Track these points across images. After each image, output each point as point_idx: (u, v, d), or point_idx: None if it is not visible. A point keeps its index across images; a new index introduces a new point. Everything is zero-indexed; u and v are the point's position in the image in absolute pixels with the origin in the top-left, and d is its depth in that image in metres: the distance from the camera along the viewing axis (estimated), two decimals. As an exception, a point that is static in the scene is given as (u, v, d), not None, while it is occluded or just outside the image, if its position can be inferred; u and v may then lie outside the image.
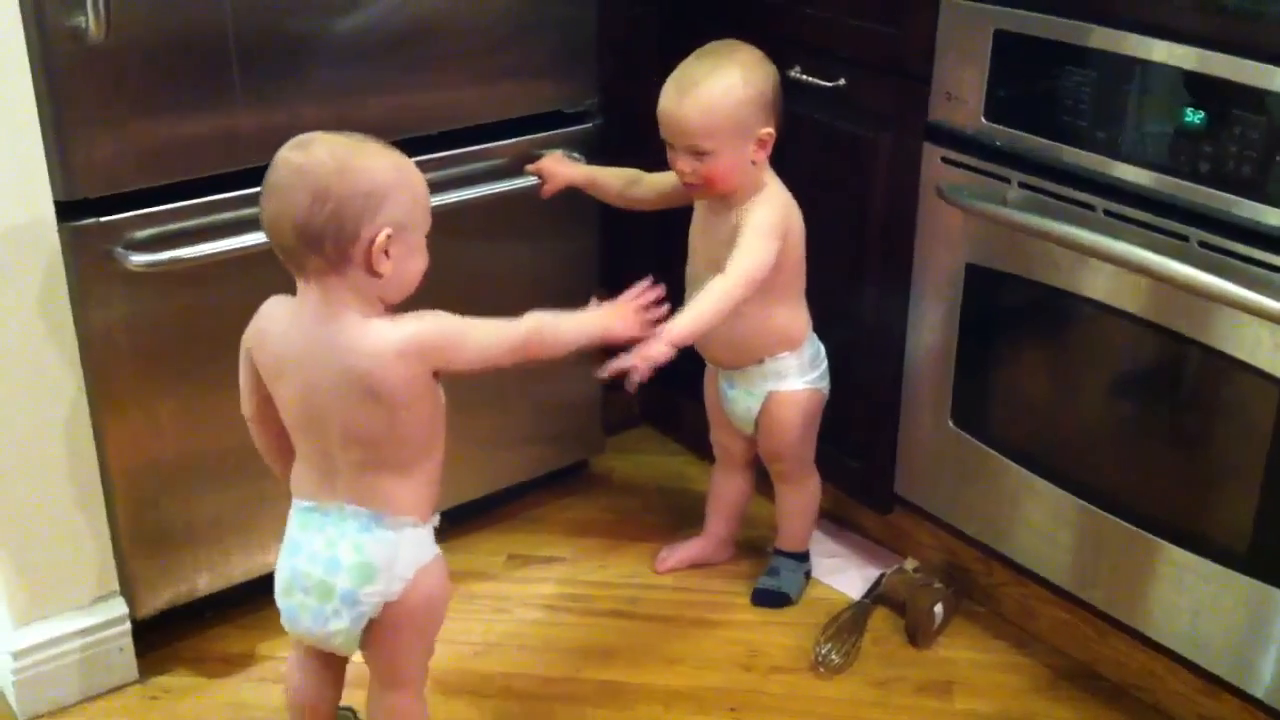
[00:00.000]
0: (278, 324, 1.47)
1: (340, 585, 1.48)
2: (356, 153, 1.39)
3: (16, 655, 1.81)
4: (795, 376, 1.96)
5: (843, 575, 2.17)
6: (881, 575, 2.12)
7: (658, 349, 1.70)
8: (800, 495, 2.09)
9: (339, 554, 1.48)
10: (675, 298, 1.79)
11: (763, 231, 1.81)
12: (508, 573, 2.18)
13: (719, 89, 1.77)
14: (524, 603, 2.11)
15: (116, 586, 1.87)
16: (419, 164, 1.88)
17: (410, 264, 1.44)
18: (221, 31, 1.70)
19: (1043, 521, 1.88)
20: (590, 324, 1.58)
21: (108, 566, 1.85)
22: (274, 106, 1.77)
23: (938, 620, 2.01)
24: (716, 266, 1.85)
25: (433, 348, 1.44)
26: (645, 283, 1.63)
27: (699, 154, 1.79)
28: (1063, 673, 1.96)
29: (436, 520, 1.55)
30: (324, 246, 1.38)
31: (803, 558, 2.14)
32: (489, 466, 2.21)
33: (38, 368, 1.71)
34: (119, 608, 1.87)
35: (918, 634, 2.01)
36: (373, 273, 1.40)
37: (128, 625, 1.88)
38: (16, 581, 1.79)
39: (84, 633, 1.85)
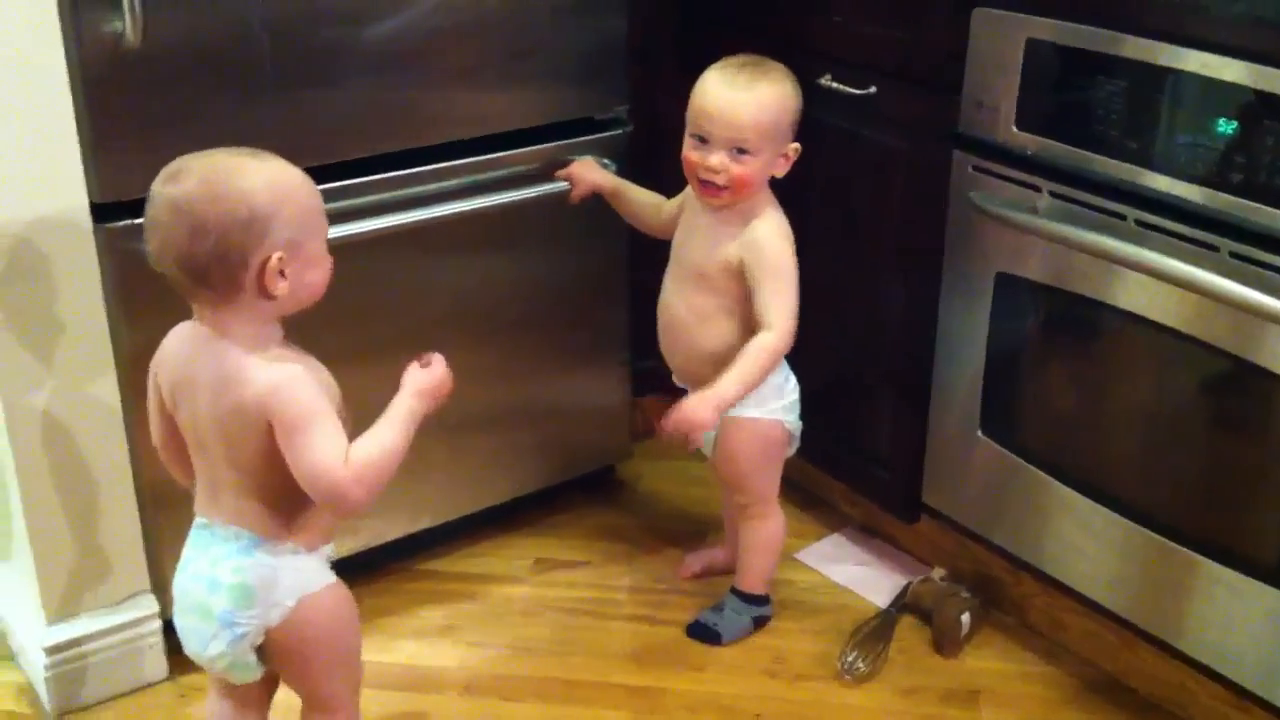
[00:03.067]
0: (174, 350, 1.44)
1: (217, 607, 1.43)
2: (232, 175, 1.32)
3: (49, 651, 1.83)
4: (753, 404, 1.88)
5: (869, 584, 2.16)
6: (908, 584, 2.11)
7: (706, 416, 1.75)
8: (757, 534, 2.01)
9: (219, 574, 1.43)
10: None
11: (786, 273, 1.80)
12: (535, 576, 2.19)
13: (775, 92, 1.78)
14: (551, 606, 2.11)
15: (148, 584, 1.89)
16: (452, 169, 1.93)
17: (309, 276, 1.38)
18: (254, 37, 1.72)
19: (1072, 532, 1.87)
20: (403, 423, 1.44)
21: (139, 564, 1.87)
22: (305, 112, 1.79)
23: (964, 629, 2.01)
24: (703, 277, 1.85)
25: (274, 414, 1.36)
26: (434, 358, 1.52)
27: (740, 152, 1.77)
28: (1091, 684, 1.95)
29: (330, 551, 1.51)
30: (211, 279, 1.33)
31: (754, 601, 2.04)
32: (516, 472, 2.22)
33: (72, 367, 1.73)
34: (149, 606, 1.89)
35: (944, 643, 2.00)
36: (267, 296, 1.35)
37: (158, 623, 1.90)
38: (49, 579, 1.81)
39: (115, 630, 1.87)
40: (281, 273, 1.34)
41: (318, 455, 1.36)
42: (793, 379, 1.93)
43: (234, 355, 1.37)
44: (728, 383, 1.78)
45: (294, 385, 1.37)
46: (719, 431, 1.92)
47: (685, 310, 1.88)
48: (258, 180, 1.33)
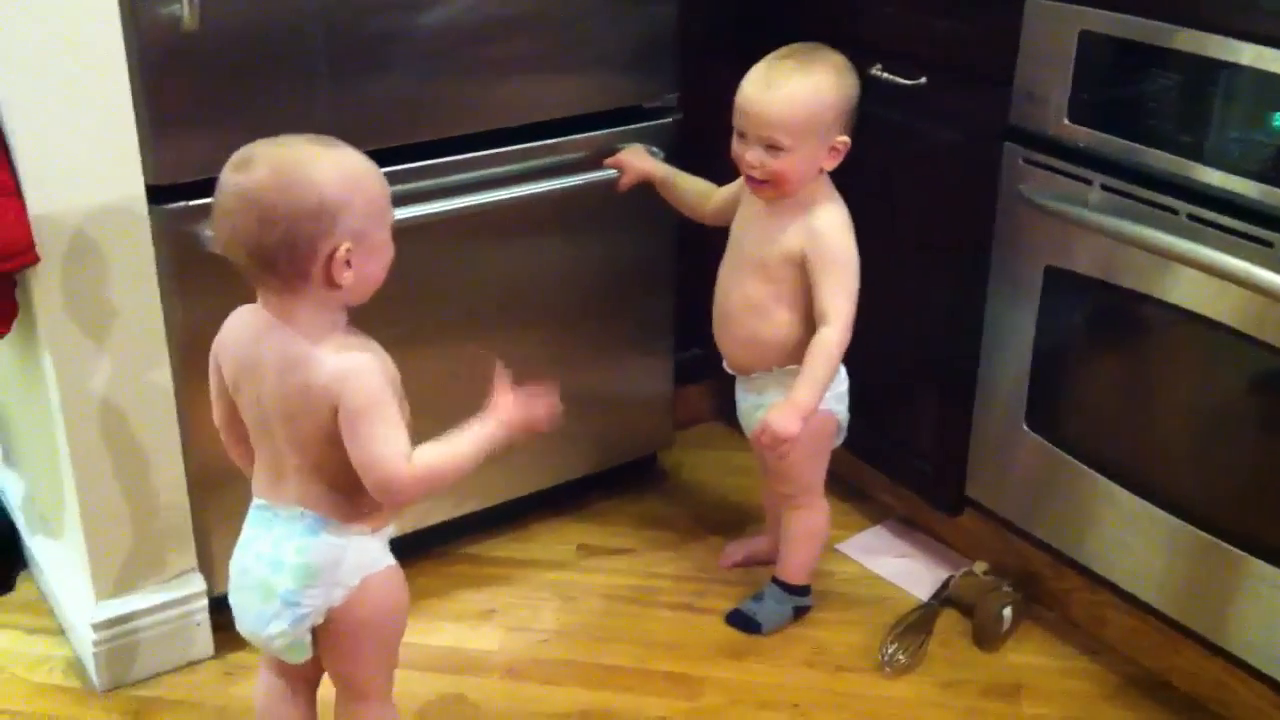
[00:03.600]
0: (236, 333, 1.44)
1: (281, 586, 1.43)
2: (302, 164, 1.32)
3: (97, 627, 1.86)
4: None
5: (911, 576, 2.16)
6: (950, 577, 2.11)
7: (793, 427, 1.74)
8: (800, 524, 2.01)
9: (283, 554, 1.43)
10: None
11: (847, 264, 1.79)
12: (578, 562, 2.20)
13: (809, 86, 1.76)
14: (593, 592, 2.13)
15: (195, 563, 1.91)
16: (500, 156, 1.94)
17: (371, 266, 1.38)
18: (309, 22, 1.74)
19: (1116, 528, 1.86)
20: (481, 441, 1.43)
21: (188, 543, 1.90)
22: (358, 97, 1.81)
23: (1006, 624, 2.00)
24: (762, 267, 1.84)
25: (341, 400, 1.36)
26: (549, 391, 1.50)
27: (773, 149, 1.77)
28: (1132, 681, 1.94)
29: (392, 531, 1.52)
30: (279, 267, 1.33)
31: (795, 591, 2.05)
32: (560, 458, 2.23)
33: (125, 348, 1.75)
34: (197, 584, 1.92)
35: (985, 637, 2.00)
36: (333, 285, 1.35)
37: (205, 601, 1.92)
38: (100, 557, 1.84)
39: (163, 607, 1.89)
40: (348, 262, 1.34)
41: (382, 448, 1.36)
42: (843, 369, 1.92)
43: (300, 341, 1.38)
44: (803, 390, 1.77)
45: (363, 374, 1.37)
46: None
47: (743, 299, 1.88)
48: (328, 170, 1.33)
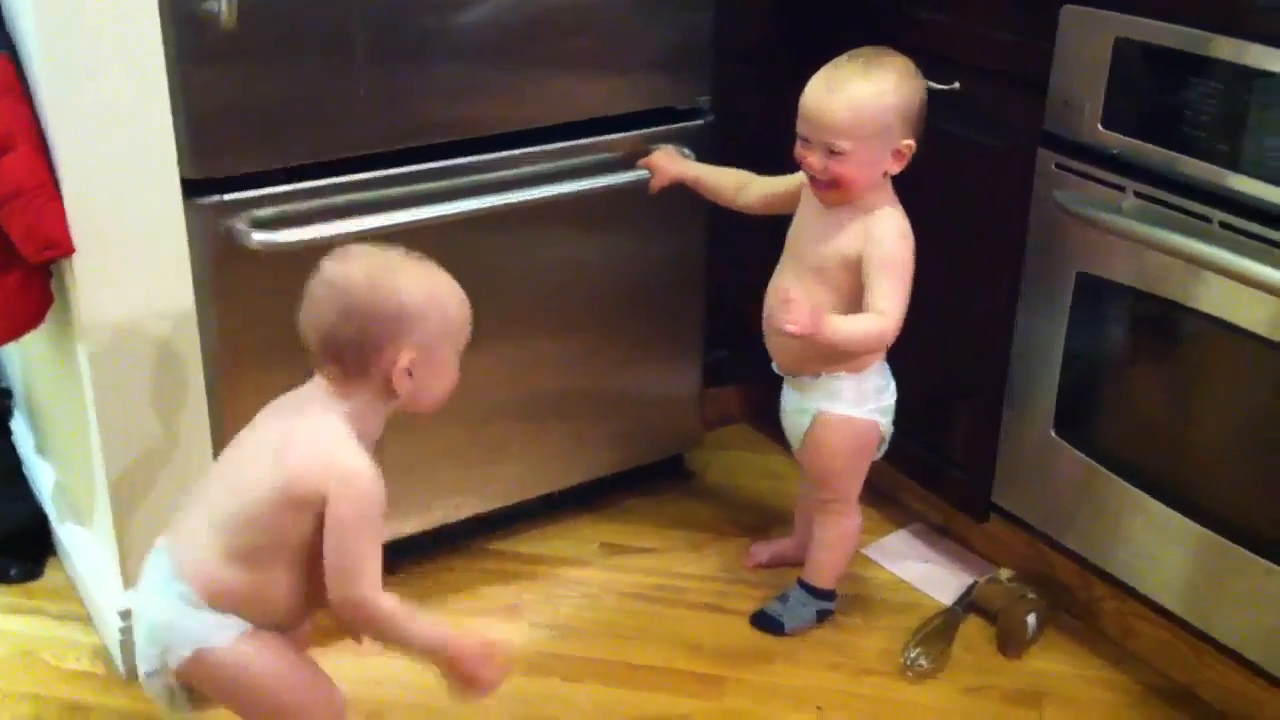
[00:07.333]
0: (280, 399, 1.48)
1: (140, 636, 1.48)
2: (391, 271, 1.40)
3: (124, 615, 1.87)
4: (849, 402, 1.89)
5: (935, 581, 2.16)
6: (975, 583, 2.10)
7: (807, 321, 1.70)
8: (832, 530, 2.01)
9: (145, 603, 1.48)
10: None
11: (902, 269, 1.78)
12: (602, 560, 2.20)
13: (871, 90, 1.75)
14: (616, 591, 2.13)
15: (223, 554, 1.92)
16: (534, 155, 1.95)
17: (435, 382, 1.44)
18: (348, 22, 1.75)
19: (1145, 537, 1.85)
20: (439, 636, 1.45)
21: (216, 534, 1.91)
22: (396, 95, 1.82)
23: (1031, 631, 1.99)
24: (819, 270, 1.84)
25: (341, 496, 1.37)
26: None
27: (835, 152, 1.76)
28: (1158, 692, 1.93)
29: (245, 626, 1.45)
30: (344, 360, 1.40)
31: (820, 595, 2.04)
32: (586, 455, 2.24)
33: (159, 340, 1.76)
34: (225, 575, 1.93)
35: (1009, 643, 1.99)
36: (390, 392, 1.41)
37: (232, 592, 1.94)
38: (127, 545, 1.85)
39: (190, 598, 1.91)
40: (409, 373, 1.40)
41: (369, 565, 1.39)
42: (893, 384, 1.92)
43: (330, 422, 1.41)
44: (839, 322, 1.76)
45: (374, 484, 1.39)
46: (812, 425, 1.92)
47: None
48: (413, 282, 1.41)
